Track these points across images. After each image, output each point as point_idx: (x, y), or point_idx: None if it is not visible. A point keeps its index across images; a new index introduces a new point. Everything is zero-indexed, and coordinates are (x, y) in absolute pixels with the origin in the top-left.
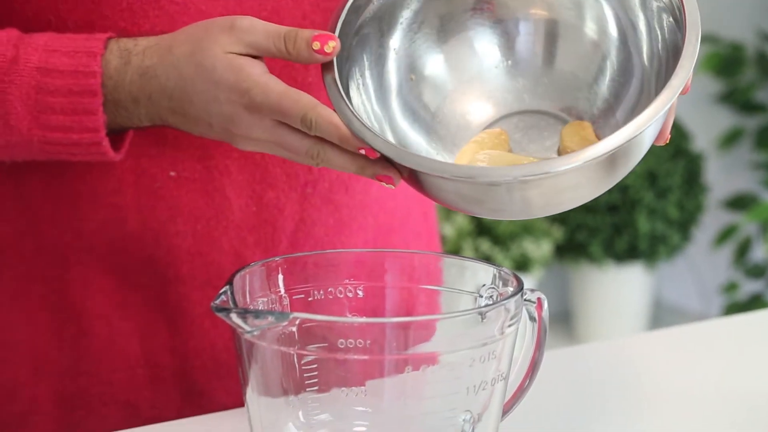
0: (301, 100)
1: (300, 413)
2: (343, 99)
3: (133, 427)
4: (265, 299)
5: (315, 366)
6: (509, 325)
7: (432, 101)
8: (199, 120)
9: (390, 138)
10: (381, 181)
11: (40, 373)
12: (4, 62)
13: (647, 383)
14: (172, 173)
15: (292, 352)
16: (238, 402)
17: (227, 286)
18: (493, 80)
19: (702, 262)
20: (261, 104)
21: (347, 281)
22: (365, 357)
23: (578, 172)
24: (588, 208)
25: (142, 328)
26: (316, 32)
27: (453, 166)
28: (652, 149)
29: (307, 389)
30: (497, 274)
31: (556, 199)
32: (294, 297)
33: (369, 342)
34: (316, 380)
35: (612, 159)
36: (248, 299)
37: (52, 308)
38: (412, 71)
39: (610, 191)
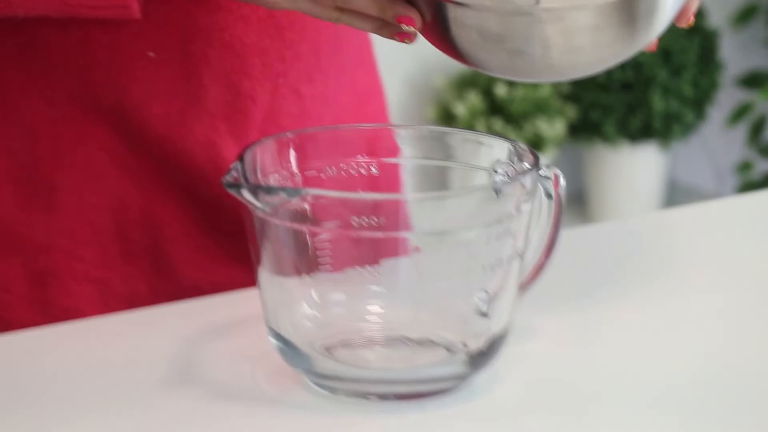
0: None
1: (313, 292)
2: None
3: (107, 303)
4: (277, 176)
5: (328, 244)
6: (525, 202)
7: None
8: None
9: None
10: (402, 23)
11: (9, 248)
12: None
13: (661, 262)
14: (151, 54)
15: (304, 230)
16: (209, 277)
17: (238, 162)
18: None
19: (716, 141)
20: None
21: (361, 157)
22: (379, 234)
23: (599, 9)
24: (602, 86)
25: (113, 202)
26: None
27: None
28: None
29: (321, 268)
30: (512, 150)
31: (575, 42)
32: (306, 173)
33: (383, 219)
34: (329, 259)
35: (632, 7)
36: (259, 175)
37: (20, 181)
38: None
39: (623, 68)
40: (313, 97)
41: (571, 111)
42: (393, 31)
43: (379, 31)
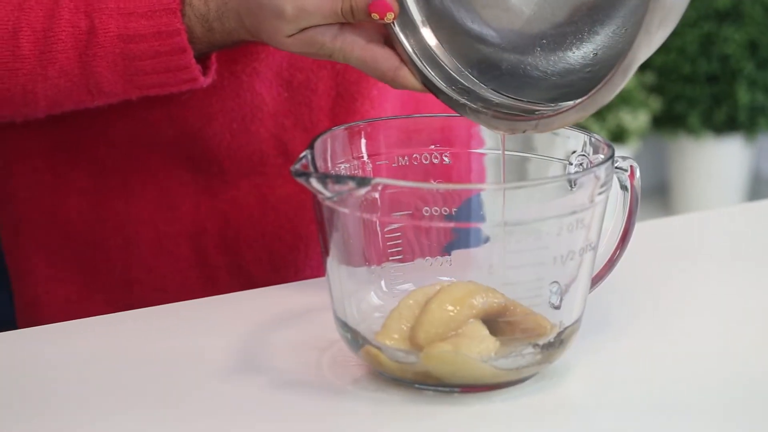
0: None
1: (382, 282)
2: None
3: None
4: (347, 165)
5: (399, 234)
6: (599, 193)
7: None
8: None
9: None
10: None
11: (91, 287)
12: (81, 35)
13: (743, 255)
14: None
15: (374, 220)
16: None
17: (308, 151)
18: None
19: None
20: None
21: (433, 147)
22: (450, 225)
23: None
24: (687, 78)
25: (189, 227)
26: None
27: None
28: (755, 18)
29: (390, 258)
30: (588, 141)
31: None
32: (377, 163)
33: (455, 210)
34: (399, 249)
35: None
36: (329, 164)
37: (94, 220)
38: None
39: (709, 60)
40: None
41: (655, 103)
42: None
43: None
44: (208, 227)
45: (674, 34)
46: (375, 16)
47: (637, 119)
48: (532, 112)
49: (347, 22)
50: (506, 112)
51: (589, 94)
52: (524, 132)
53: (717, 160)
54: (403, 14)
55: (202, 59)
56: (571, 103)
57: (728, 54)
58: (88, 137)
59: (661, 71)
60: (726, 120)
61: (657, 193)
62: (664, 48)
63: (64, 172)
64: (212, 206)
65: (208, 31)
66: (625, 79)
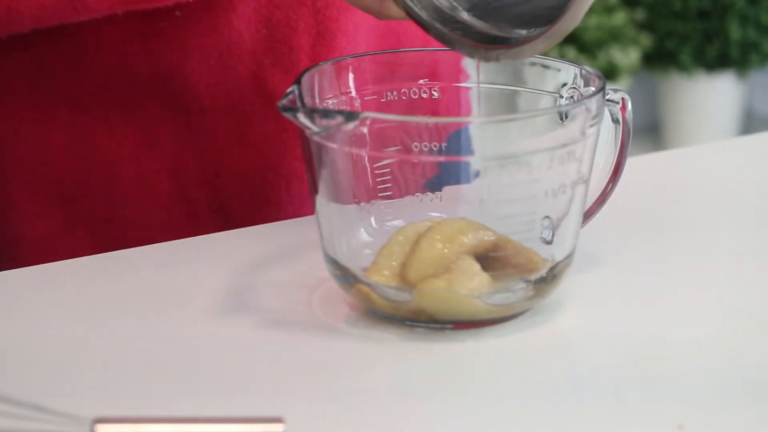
0: None
1: (372, 219)
2: None
3: None
4: (335, 100)
5: (387, 170)
6: (591, 126)
7: None
8: None
9: None
10: None
11: (74, 221)
12: None
13: (736, 188)
14: (177, 13)
15: (363, 155)
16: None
17: (295, 86)
18: None
19: None
20: None
21: (422, 81)
22: (440, 159)
23: None
24: (677, 14)
25: (170, 164)
26: None
27: None
28: None
29: (380, 195)
30: (578, 73)
31: None
32: (366, 98)
33: (444, 144)
34: (389, 185)
35: None
36: (317, 100)
37: (76, 156)
38: None
39: None
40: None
41: (646, 39)
42: None
43: None
44: (189, 164)
45: None
46: None
47: (627, 56)
48: (507, 40)
49: None
50: (483, 40)
51: (554, 21)
52: (498, 60)
53: (709, 98)
54: None
55: None
56: (538, 31)
57: None
58: (68, 75)
59: (652, 7)
60: (718, 56)
61: (649, 132)
62: None
63: (45, 109)
64: (192, 143)
65: None
66: (584, 6)
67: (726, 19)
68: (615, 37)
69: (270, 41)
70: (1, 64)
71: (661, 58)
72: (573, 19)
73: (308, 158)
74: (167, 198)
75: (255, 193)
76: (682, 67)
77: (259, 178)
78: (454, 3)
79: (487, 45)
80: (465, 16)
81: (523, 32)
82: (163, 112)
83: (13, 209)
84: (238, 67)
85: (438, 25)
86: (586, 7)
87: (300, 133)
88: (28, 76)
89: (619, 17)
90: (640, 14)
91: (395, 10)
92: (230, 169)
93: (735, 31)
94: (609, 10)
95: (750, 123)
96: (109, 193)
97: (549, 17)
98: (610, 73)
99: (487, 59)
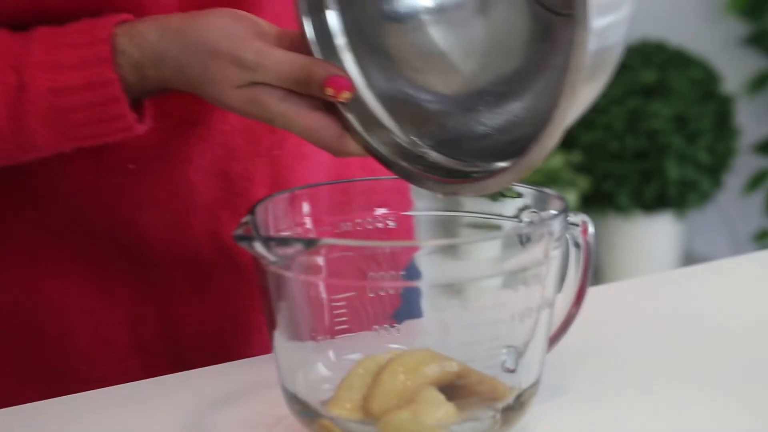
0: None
1: (330, 353)
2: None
3: None
4: (290, 232)
5: (345, 302)
6: (554, 248)
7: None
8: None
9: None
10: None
11: (27, 376)
12: (11, 91)
13: (689, 315)
14: (131, 166)
15: (319, 283)
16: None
17: (249, 216)
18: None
19: (733, 209)
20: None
21: (378, 210)
22: (399, 287)
23: None
24: (615, 155)
25: (128, 316)
26: (332, 71)
27: None
28: (682, 92)
29: (337, 328)
30: (538, 196)
31: None
32: (320, 228)
33: (403, 272)
34: (345, 318)
35: None
36: (271, 231)
37: (29, 310)
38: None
39: (637, 136)
40: (316, 153)
41: (584, 182)
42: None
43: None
44: (147, 314)
45: (600, 111)
46: (329, 92)
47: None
48: (468, 174)
49: (296, 90)
50: (445, 174)
51: (521, 155)
52: (460, 194)
53: (647, 238)
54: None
55: (137, 107)
56: (504, 164)
57: (656, 129)
58: (21, 225)
59: (589, 149)
60: (656, 197)
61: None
62: (590, 125)
63: None
64: (150, 294)
65: (142, 79)
66: (553, 139)
67: (663, 159)
68: (553, 179)
69: (227, 194)
70: None
71: (598, 200)
72: (541, 151)
73: (265, 291)
74: (124, 350)
75: (214, 344)
76: (620, 209)
77: (218, 329)
78: (414, 138)
79: (450, 179)
80: (426, 150)
81: (486, 165)
82: (119, 263)
83: None
84: (194, 223)
85: (400, 161)
86: (555, 140)
87: (255, 264)
88: None
89: (557, 160)
90: (576, 156)
91: (354, 147)
92: (188, 319)
93: (673, 170)
94: None
95: (689, 263)
96: (64, 348)
97: (509, 152)
98: None
99: (451, 193)
